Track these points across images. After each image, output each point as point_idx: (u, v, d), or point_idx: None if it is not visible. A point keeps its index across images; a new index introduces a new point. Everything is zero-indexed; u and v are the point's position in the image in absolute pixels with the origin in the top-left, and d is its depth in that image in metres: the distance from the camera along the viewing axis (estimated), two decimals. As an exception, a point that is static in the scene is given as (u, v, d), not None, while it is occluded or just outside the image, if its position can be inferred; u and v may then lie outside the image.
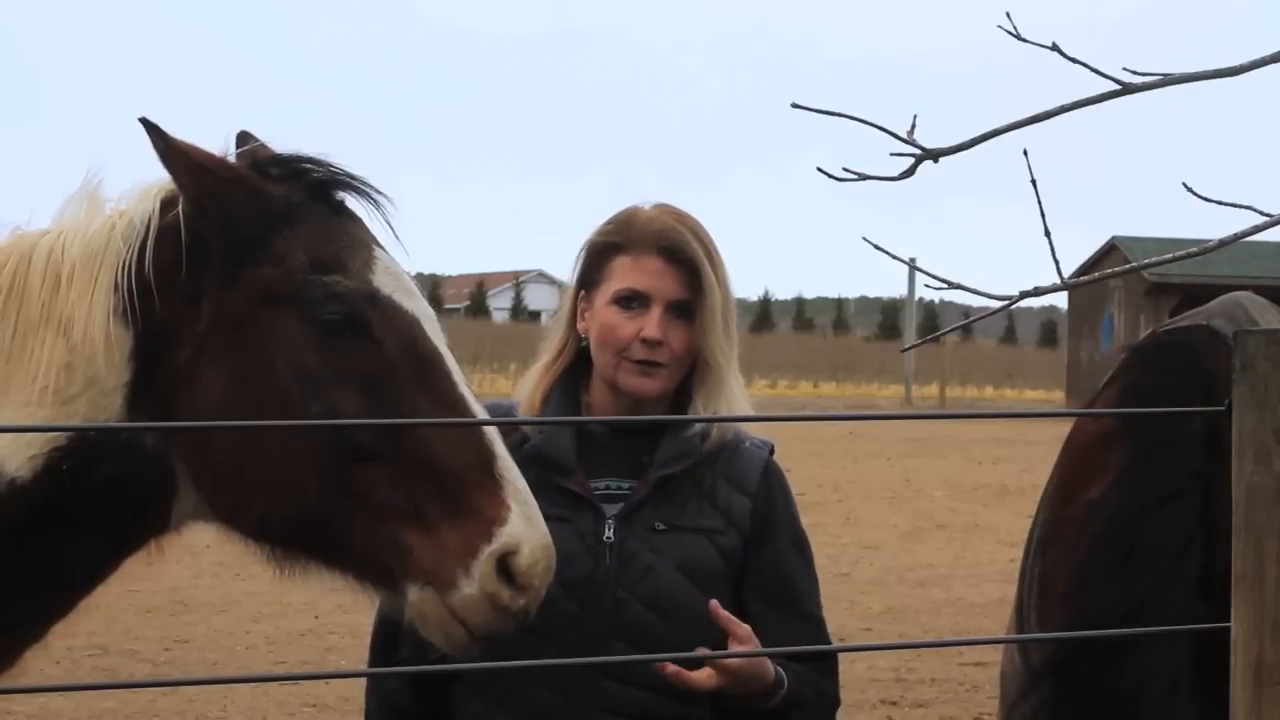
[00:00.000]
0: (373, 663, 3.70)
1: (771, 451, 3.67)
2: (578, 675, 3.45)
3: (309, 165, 3.10)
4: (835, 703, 3.64)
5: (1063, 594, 3.77)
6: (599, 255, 3.61)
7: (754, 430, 3.75)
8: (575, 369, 3.65)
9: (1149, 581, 3.61)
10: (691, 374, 3.61)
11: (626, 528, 3.51)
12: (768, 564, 3.60)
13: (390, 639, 3.56)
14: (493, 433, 2.97)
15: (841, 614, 13.77)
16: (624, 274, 3.56)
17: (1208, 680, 3.47)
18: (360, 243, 3.07)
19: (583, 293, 3.63)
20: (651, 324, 3.52)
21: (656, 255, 3.55)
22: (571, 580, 3.40)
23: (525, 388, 3.67)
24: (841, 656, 3.74)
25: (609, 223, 3.64)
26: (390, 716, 3.67)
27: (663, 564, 3.50)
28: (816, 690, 3.56)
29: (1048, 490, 4.20)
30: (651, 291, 3.54)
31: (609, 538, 3.49)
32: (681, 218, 3.62)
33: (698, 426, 3.59)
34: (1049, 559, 3.98)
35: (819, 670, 3.58)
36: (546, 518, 3.37)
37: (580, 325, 3.62)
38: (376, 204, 3.13)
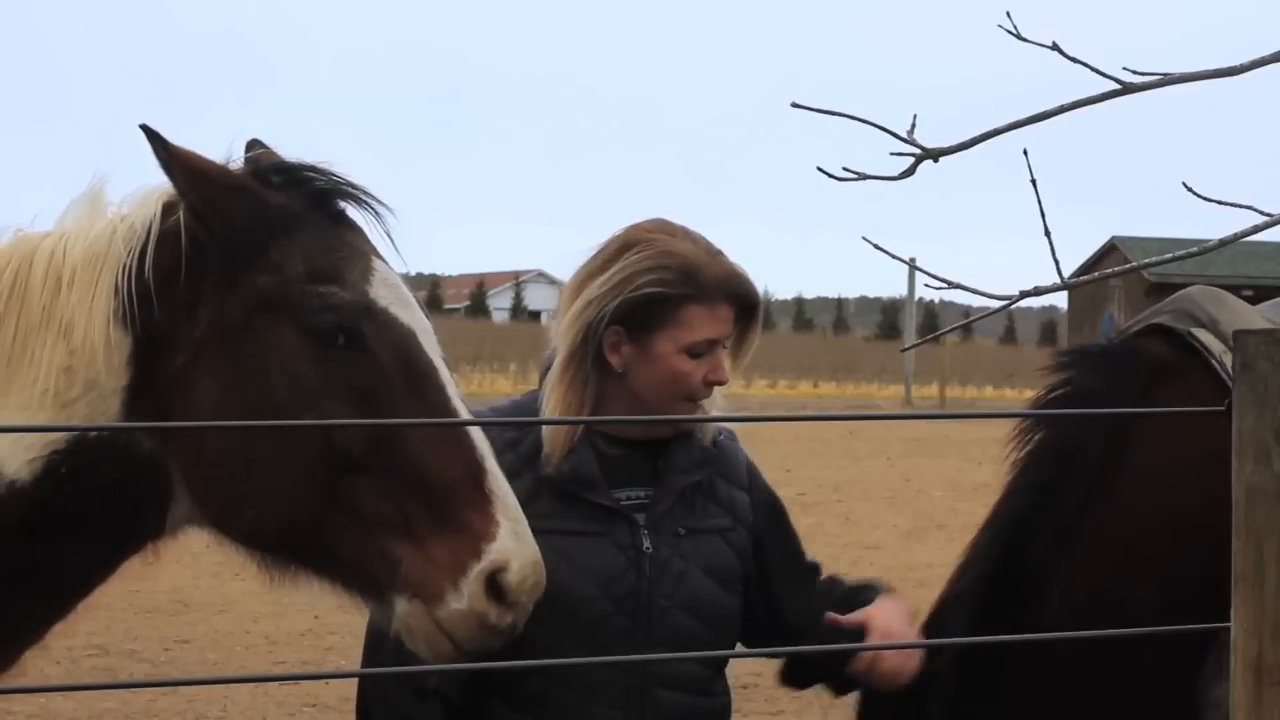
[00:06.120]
0: (386, 693, 3.54)
1: (734, 439, 3.77)
2: (633, 686, 3.49)
3: (311, 174, 3.09)
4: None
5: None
6: (664, 303, 3.52)
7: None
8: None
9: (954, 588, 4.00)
10: None
11: (656, 535, 3.54)
12: (783, 544, 3.75)
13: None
14: (484, 448, 2.97)
15: (842, 614, 13.74)
16: (700, 324, 3.51)
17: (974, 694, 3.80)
18: (359, 253, 3.06)
19: (617, 327, 3.52)
20: (723, 368, 3.55)
21: (727, 303, 3.55)
22: (621, 594, 3.47)
23: (556, 436, 3.54)
24: (841, 657, 3.81)
25: (663, 269, 3.52)
26: None
27: (691, 568, 3.55)
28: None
29: None
30: (720, 337, 3.56)
31: (647, 548, 3.52)
32: (723, 255, 3.60)
33: (707, 431, 3.63)
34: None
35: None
36: (584, 534, 3.46)
37: (615, 359, 3.53)
38: (377, 214, 3.12)
